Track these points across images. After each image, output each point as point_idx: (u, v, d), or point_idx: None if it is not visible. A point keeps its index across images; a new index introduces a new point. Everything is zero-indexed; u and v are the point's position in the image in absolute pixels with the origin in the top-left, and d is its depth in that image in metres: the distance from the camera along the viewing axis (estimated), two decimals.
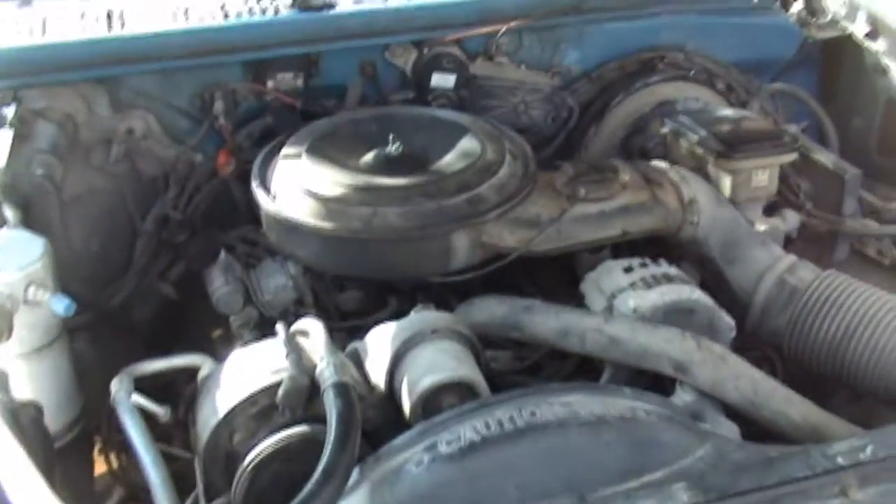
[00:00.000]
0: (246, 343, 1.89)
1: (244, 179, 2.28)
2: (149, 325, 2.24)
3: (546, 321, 1.77)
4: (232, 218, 2.30)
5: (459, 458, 1.43)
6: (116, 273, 2.21)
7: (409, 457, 1.46)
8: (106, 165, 2.20)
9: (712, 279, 2.00)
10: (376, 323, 1.88)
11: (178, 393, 1.87)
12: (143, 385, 1.82)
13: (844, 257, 2.22)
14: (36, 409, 1.65)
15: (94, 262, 2.17)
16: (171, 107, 2.29)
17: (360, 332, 1.85)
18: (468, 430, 1.46)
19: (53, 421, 1.77)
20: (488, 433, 1.45)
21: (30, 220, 1.95)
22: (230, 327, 2.00)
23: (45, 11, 2.31)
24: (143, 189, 2.27)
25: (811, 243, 2.21)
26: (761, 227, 2.07)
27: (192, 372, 1.89)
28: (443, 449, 1.44)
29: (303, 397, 1.60)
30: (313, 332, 1.69)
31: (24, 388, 1.75)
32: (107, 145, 2.21)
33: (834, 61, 2.68)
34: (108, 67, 2.20)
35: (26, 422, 1.55)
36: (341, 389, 1.52)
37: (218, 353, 1.90)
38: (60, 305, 1.70)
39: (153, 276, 2.23)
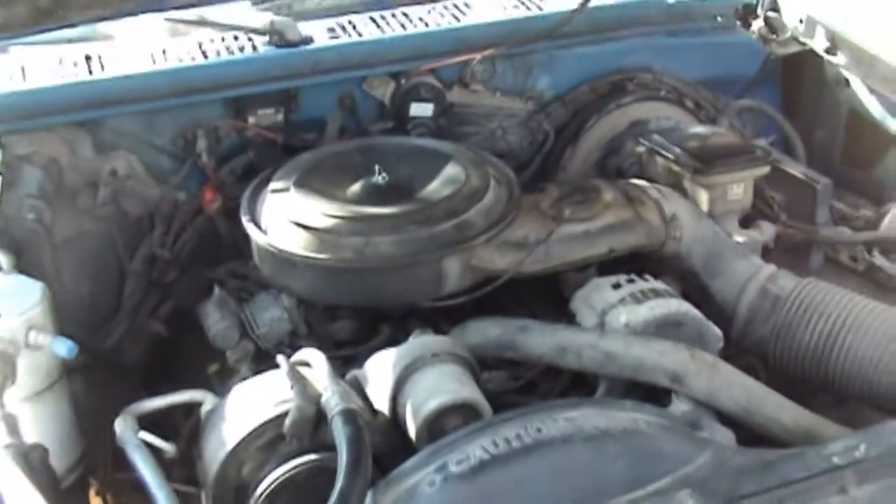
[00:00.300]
0: (244, 377, 1.92)
1: (229, 215, 2.32)
2: (140, 364, 2.25)
3: (543, 339, 1.81)
4: (217, 254, 2.32)
5: (471, 477, 1.47)
6: (107, 314, 2.23)
7: (421, 478, 1.49)
8: (93, 208, 2.22)
9: (696, 292, 2.06)
10: (370, 351, 1.92)
11: (172, 429, 1.89)
12: (142, 423, 1.84)
13: (819, 266, 2.29)
14: (44, 451, 1.66)
15: (86, 304, 2.18)
16: (153, 146, 2.32)
17: (354, 360, 1.88)
18: (477, 450, 1.49)
19: (57, 463, 1.77)
20: (497, 451, 1.49)
21: (22, 265, 1.97)
22: (226, 362, 2.01)
23: (23, 57, 2.32)
24: (130, 230, 2.29)
25: (786, 253, 2.27)
26: (739, 239, 2.13)
27: (187, 408, 1.92)
28: (454, 469, 1.48)
29: (310, 426, 1.63)
30: (315, 363, 1.72)
31: (27, 431, 1.76)
32: (92, 188, 2.23)
33: (795, 76, 2.77)
34: (90, 110, 2.22)
35: (36, 464, 1.56)
36: (349, 416, 1.56)
37: (215, 388, 1.93)
38: (63, 348, 1.71)
39: (143, 315, 2.24)
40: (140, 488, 2.05)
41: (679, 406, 1.72)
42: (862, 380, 1.85)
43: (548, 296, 2.15)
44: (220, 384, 1.98)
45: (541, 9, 2.52)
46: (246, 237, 2.23)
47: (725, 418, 1.76)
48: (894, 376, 1.80)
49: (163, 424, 1.93)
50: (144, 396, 1.91)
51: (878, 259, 2.18)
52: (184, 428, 1.90)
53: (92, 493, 2.10)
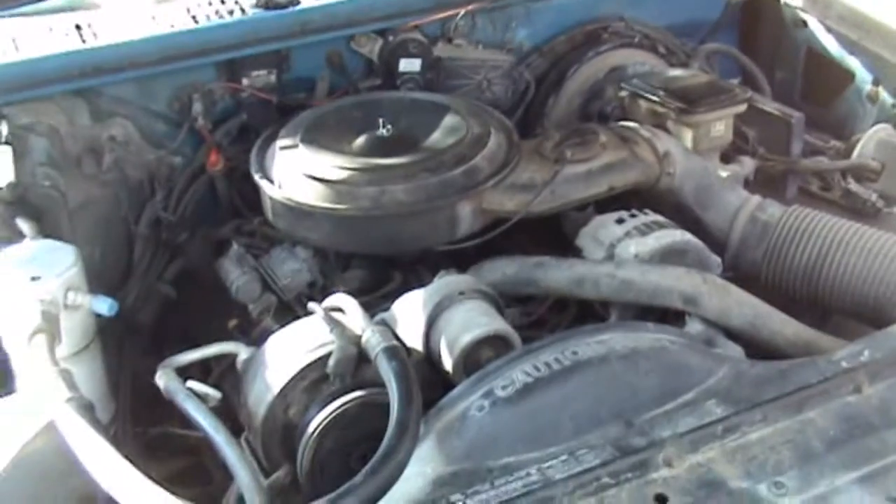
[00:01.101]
0: (268, 328, 1.99)
1: (227, 176, 2.37)
2: (152, 325, 2.29)
3: (560, 273, 1.92)
4: (214, 214, 2.38)
5: (517, 400, 1.57)
6: (119, 277, 2.26)
7: (470, 404, 1.58)
8: (98, 174, 2.24)
9: (689, 224, 2.17)
10: (384, 297, 2.01)
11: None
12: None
13: (794, 195, 2.43)
14: (90, 406, 1.71)
15: (98, 268, 2.21)
16: (149, 112, 2.35)
17: (370, 307, 1.96)
18: (520, 374, 1.60)
19: None
20: (539, 374, 1.59)
21: (42, 231, 2.00)
22: (247, 316, 2.07)
23: (12, 29, 2.33)
24: (133, 194, 2.32)
25: (762, 186, 2.41)
26: (723, 173, 2.26)
27: (204, 366, 1.98)
28: (500, 393, 1.58)
29: (352, 366, 1.71)
30: (348, 306, 1.79)
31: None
32: (94, 154, 2.25)
33: (754, 20, 2.90)
34: (85, 78, 2.23)
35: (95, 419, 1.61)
36: (393, 351, 1.63)
37: (237, 340, 1.99)
38: (104, 306, 1.76)
39: (153, 277, 2.29)
40: (163, 449, 2.14)
41: (693, 326, 1.84)
42: (850, 294, 1.99)
43: (545, 237, 2.25)
44: (242, 338, 2.05)
45: None
46: (246, 197, 2.30)
47: (733, 336, 1.88)
48: (881, 289, 1.94)
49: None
50: (152, 360, 1.96)
51: (853, 185, 2.33)
52: (210, 380, 1.97)
53: None
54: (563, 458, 1.48)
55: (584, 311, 2.04)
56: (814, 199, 2.42)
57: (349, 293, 2.12)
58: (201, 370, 2.01)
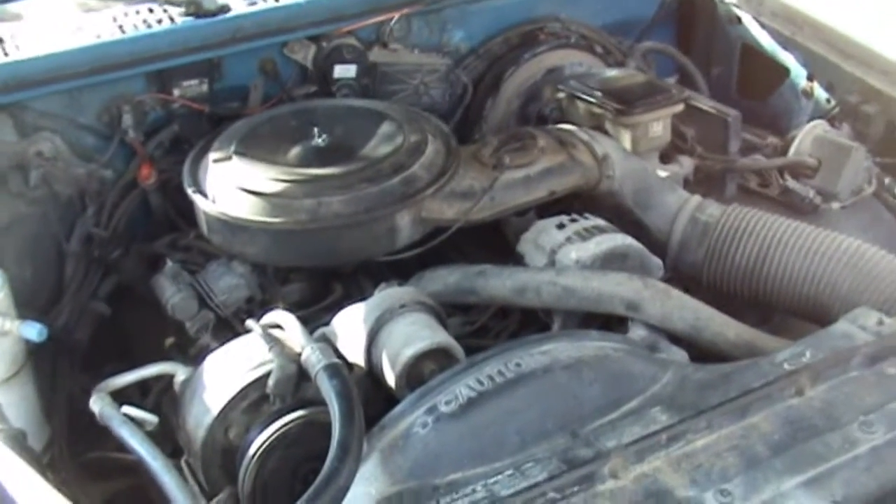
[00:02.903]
0: (206, 345, 1.95)
1: (161, 189, 2.32)
2: (88, 344, 2.23)
3: (501, 281, 1.90)
4: (146, 229, 2.32)
5: (461, 415, 1.55)
6: (50, 297, 2.20)
7: (413, 421, 1.56)
8: (25, 191, 2.18)
9: (630, 226, 2.17)
10: (325, 310, 1.97)
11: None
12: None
13: (733, 193, 2.44)
14: (21, 435, 1.66)
15: (29, 288, 2.15)
16: (77, 125, 2.28)
17: (311, 320, 1.93)
18: (463, 389, 1.58)
19: None
20: (483, 388, 1.57)
21: None
22: (183, 333, 2.03)
23: None
24: (63, 211, 2.26)
25: (702, 185, 2.42)
26: (662, 173, 2.25)
27: (143, 385, 1.93)
28: (443, 409, 1.56)
29: (292, 385, 1.68)
30: (287, 323, 1.76)
31: None
32: (20, 171, 2.19)
33: (689, 17, 2.91)
34: (10, 93, 2.17)
35: (26, 448, 1.57)
36: (334, 369, 1.61)
37: (175, 360, 1.94)
38: (33, 331, 1.71)
39: (86, 294, 2.22)
40: (101, 472, 2.08)
41: (636, 332, 1.83)
42: (790, 292, 2.00)
43: (487, 244, 2.24)
44: (180, 356, 2.00)
45: None
46: (181, 209, 2.25)
47: (675, 339, 1.88)
48: (819, 287, 1.95)
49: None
50: (90, 378, 1.91)
51: (791, 182, 2.34)
52: (148, 402, 1.92)
53: None
54: (510, 472, 1.46)
55: (528, 318, 2.02)
56: (753, 197, 2.42)
57: (289, 307, 2.10)
58: (140, 389, 1.97)
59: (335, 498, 1.42)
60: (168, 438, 1.84)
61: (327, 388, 1.58)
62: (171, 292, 2.01)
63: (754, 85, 2.79)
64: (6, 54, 2.21)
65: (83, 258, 2.23)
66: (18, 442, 1.51)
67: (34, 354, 2.07)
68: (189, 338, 2.01)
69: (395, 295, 1.81)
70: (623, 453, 1.45)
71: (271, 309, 1.94)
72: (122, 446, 1.84)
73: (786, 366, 1.65)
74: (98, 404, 1.75)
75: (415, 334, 1.73)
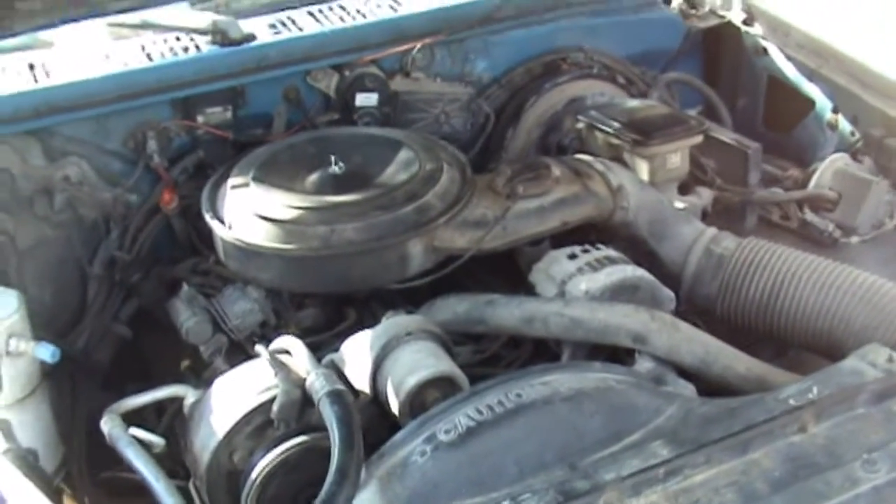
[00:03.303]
0: (219, 369, 1.97)
1: (183, 214, 2.36)
2: (108, 365, 2.27)
3: (510, 311, 1.90)
4: (170, 253, 2.36)
5: (460, 444, 1.55)
6: (71, 319, 2.25)
7: (412, 450, 1.57)
8: (50, 215, 2.23)
9: (644, 257, 2.17)
10: (338, 336, 1.99)
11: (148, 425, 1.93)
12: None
13: (753, 225, 2.42)
14: (32, 455, 1.70)
15: (49, 310, 2.20)
16: (103, 151, 2.33)
17: (322, 346, 1.95)
18: (463, 418, 1.58)
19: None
20: (482, 418, 1.57)
21: None
22: (198, 356, 2.06)
23: None
24: (87, 234, 2.31)
25: (722, 216, 2.40)
26: (680, 205, 2.25)
27: (159, 406, 1.96)
28: (443, 438, 1.56)
29: (296, 410, 1.69)
30: (294, 349, 1.78)
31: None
32: (46, 195, 2.24)
33: (715, 48, 2.90)
34: (38, 119, 2.23)
35: (35, 467, 1.60)
36: (337, 396, 1.62)
37: (189, 382, 1.97)
38: (46, 352, 1.75)
39: (108, 317, 2.27)
40: (118, 491, 2.11)
41: (643, 364, 1.82)
42: (804, 327, 1.98)
43: (502, 272, 2.24)
44: (194, 378, 2.03)
45: None
46: (203, 235, 2.28)
47: (685, 373, 1.87)
48: (834, 322, 1.93)
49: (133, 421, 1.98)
50: (112, 398, 1.94)
51: (809, 215, 2.32)
52: (161, 424, 1.95)
53: (66, 499, 2.12)
54: (506, 503, 1.46)
55: (540, 348, 2.02)
56: (774, 229, 2.41)
57: (303, 332, 2.13)
58: (157, 412, 2.00)
59: None
60: (179, 461, 1.87)
61: (329, 414, 1.59)
62: (186, 316, 2.04)
63: (780, 117, 2.78)
64: (36, 81, 2.27)
65: (105, 281, 2.28)
66: (27, 462, 1.54)
67: (55, 374, 2.12)
68: (203, 361, 2.04)
69: (401, 323, 1.83)
70: (619, 486, 1.44)
71: (283, 334, 1.98)
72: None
73: (791, 401, 1.63)
74: (108, 425, 1.78)
75: (419, 363, 1.73)
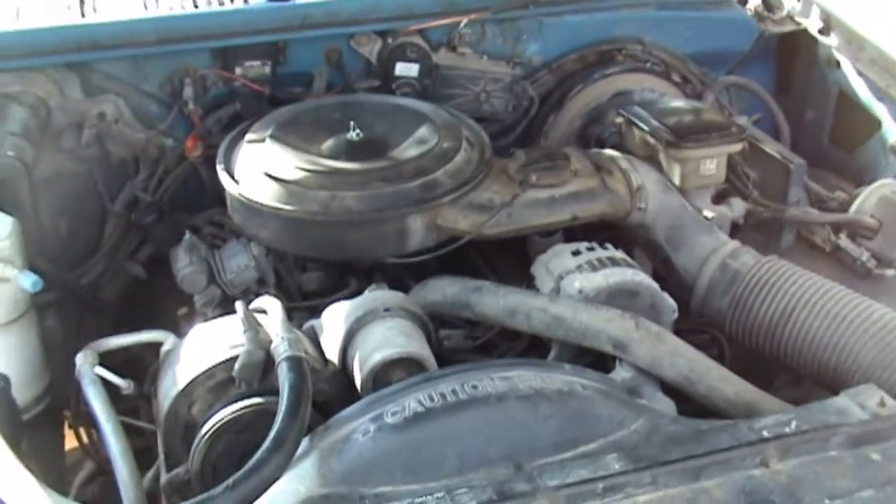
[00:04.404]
0: (208, 320, 1.97)
1: (212, 163, 2.36)
2: (117, 303, 2.31)
3: (495, 301, 1.85)
4: (200, 201, 2.37)
5: (404, 428, 1.51)
6: (85, 253, 2.28)
7: (357, 427, 1.53)
8: (76, 149, 2.27)
9: (659, 263, 2.09)
10: (336, 302, 1.96)
11: (146, 368, 1.95)
12: (115, 362, 1.90)
13: (790, 244, 2.30)
14: (3, 381, 1.73)
15: (63, 241, 2.24)
16: (141, 92, 2.36)
17: (320, 311, 1.92)
18: (413, 402, 1.53)
19: (21, 394, 1.84)
20: (432, 405, 1.53)
21: (0, 200, 2.02)
22: (194, 305, 2.06)
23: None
24: (113, 172, 2.34)
25: (758, 230, 2.29)
26: (709, 213, 2.15)
27: (159, 348, 1.97)
28: (388, 419, 1.52)
29: (258, 371, 1.68)
30: (270, 310, 1.77)
31: None
32: (78, 129, 2.27)
33: (789, 55, 2.76)
34: (79, 53, 2.26)
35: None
36: (294, 362, 1.60)
37: (182, 330, 1.97)
38: (28, 281, 1.77)
39: (122, 256, 2.30)
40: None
41: (621, 373, 1.75)
42: (812, 357, 1.87)
43: (515, 256, 2.19)
44: (187, 326, 2.03)
45: None
46: None
47: (671, 389, 1.79)
48: (842, 356, 1.82)
49: (136, 363, 2.00)
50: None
51: (843, 241, 2.19)
52: (151, 368, 1.97)
53: (66, 425, 2.16)
54: (440, 494, 1.42)
55: (536, 342, 1.96)
56: (811, 251, 2.28)
57: (305, 295, 2.13)
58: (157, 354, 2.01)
59: (257, 488, 1.42)
60: None
61: (283, 380, 1.57)
62: (184, 264, 2.05)
63: (847, 134, 2.63)
64: (83, 16, 2.30)
65: (124, 220, 2.32)
66: None
67: (62, 305, 2.16)
68: (197, 311, 2.05)
69: (380, 298, 1.80)
70: (552, 496, 1.38)
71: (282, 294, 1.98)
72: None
73: (765, 433, 1.54)
74: (80, 360, 1.80)
75: (389, 340, 1.70)
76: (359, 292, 2.02)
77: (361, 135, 2.06)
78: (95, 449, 2.07)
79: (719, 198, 2.25)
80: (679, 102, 2.37)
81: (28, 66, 2.22)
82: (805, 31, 2.65)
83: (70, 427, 2.14)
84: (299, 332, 1.77)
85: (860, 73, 2.50)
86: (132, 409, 1.94)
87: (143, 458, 2.00)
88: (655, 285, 1.89)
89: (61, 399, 2.06)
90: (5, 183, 2.05)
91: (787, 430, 1.55)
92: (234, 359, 1.69)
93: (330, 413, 1.62)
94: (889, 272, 2.15)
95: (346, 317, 1.77)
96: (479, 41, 2.50)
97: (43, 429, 2.00)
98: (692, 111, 2.27)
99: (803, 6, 2.66)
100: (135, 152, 2.35)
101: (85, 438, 2.05)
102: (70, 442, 2.13)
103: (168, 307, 2.23)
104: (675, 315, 1.90)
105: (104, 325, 2.26)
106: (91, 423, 2.07)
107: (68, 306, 2.18)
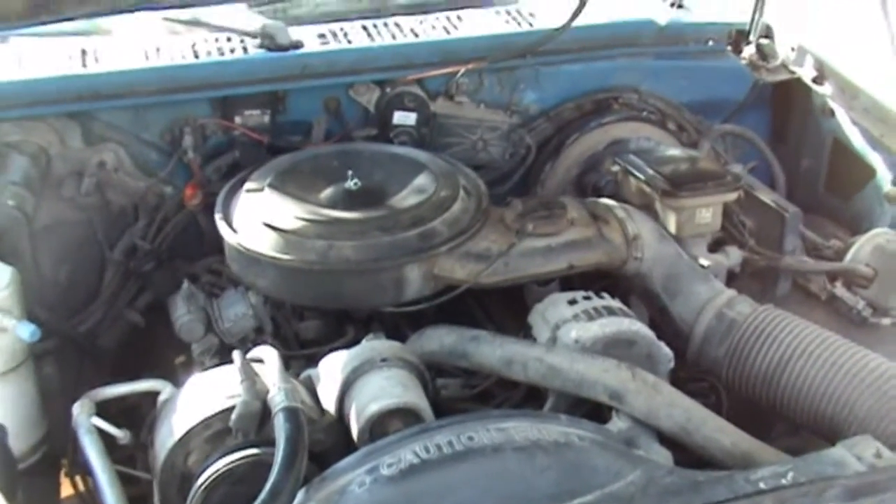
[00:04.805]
0: (206, 370, 1.97)
1: (210, 212, 2.37)
2: (116, 351, 2.31)
3: (491, 351, 1.85)
4: (199, 249, 2.38)
5: (399, 480, 1.50)
6: (84, 300, 2.29)
7: (353, 478, 1.53)
8: (76, 197, 2.28)
9: (656, 312, 2.09)
10: (333, 351, 1.97)
11: (142, 416, 1.95)
12: (112, 410, 1.90)
13: (786, 292, 2.31)
14: (0, 430, 1.73)
15: (63, 290, 2.25)
16: (141, 141, 2.38)
17: (317, 359, 1.92)
18: (408, 454, 1.53)
19: (18, 443, 1.85)
20: (427, 456, 1.53)
21: (0, 249, 2.03)
22: (192, 354, 2.07)
23: (22, 48, 2.39)
24: (113, 220, 2.35)
25: (754, 278, 2.30)
26: (705, 262, 2.15)
27: (156, 397, 1.97)
28: (384, 471, 1.52)
29: (255, 421, 1.68)
30: (267, 360, 1.77)
31: None
32: (78, 177, 2.29)
33: (784, 104, 2.78)
34: (81, 103, 2.28)
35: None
36: (290, 413, 1.60)
37: (179, 378, 1.98)
38: (26, 331, 1.78)
39: (121, 304, 2.30)
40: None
41: (617, 423, 1.74)
42: (808, 407, 1.87)
43: (514, 305, 2.19)
44: (185, 375, 2.04)
45: (531, 25, 2.57)
46: None
47: (668, 440, 1.79)
48: (838, 406, 1.82)
49: (133, 413, 2.00)
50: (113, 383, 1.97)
51: (839, 290, 2.20)
52: (149, 417, 1.96)
53: (62, 474, 2.16)
54: None
55: (533, 392, 1.96)
56: (807, 299, 2.29)
57: (302, 344, 2.13)
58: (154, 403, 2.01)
59: None
60: None
61: (279, 431, 1.58)
62: (182, 312, 2.06)
63: (842, 182, 2.64)
64: (84, 66, 2.33)
65: (123, 268, 2.32)
66: None
67: (60, 353, 2.17)
68: (194, 360, 2.06)
69: (377, 348, 1.80)
70: None
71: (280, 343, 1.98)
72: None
73: (761, 485, 1.54)
74: (77, 409, 1.80)
75: (385, 391, 1.70)
76: (356, 341, 2.02)
77: (359, 184, 2.08)
78: (91, 497, 2.07)
79: (715, 246, 2.26)
80: (675, 151, 2.39)
81: (29, 116, 2.25)
82: (799, 79, 2.68)
83: (66, 475, 2.14)
84: (296, 382, 1.78)
85: (854, 122, 2.52)
86: (129, 457, 1.93)
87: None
88: (652, 334, 1.89)
89: (58, 447, 2.05)
90: (6, 232, 2.06)
91: (783, 481, 1.55)
92: (230, 409, 1.69)
93: (326, 463, 1.62)
94: (885, 321, 2.15)
95: (342, 367, 1.77)
96: (476, 90, 2.52)
97: (39, 477, 2.00)
98: (688, 160, 2.29)
99: (797, 55, 2.68)
100: (134, 200, 2.37)
101: (81, 487, 2.06)
102: (65, 489, 2.13)
103: (166, 355, 2.23)
104: (672, 364, 1.90)
105: (102, 372, 2.26)
106: (87, 471, 2.09)
107: (66, 354, 2.19)
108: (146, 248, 2.31)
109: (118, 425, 1.85)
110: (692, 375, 2.07)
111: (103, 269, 2.33)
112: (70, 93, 2.27)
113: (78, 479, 2.10)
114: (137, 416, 1.98)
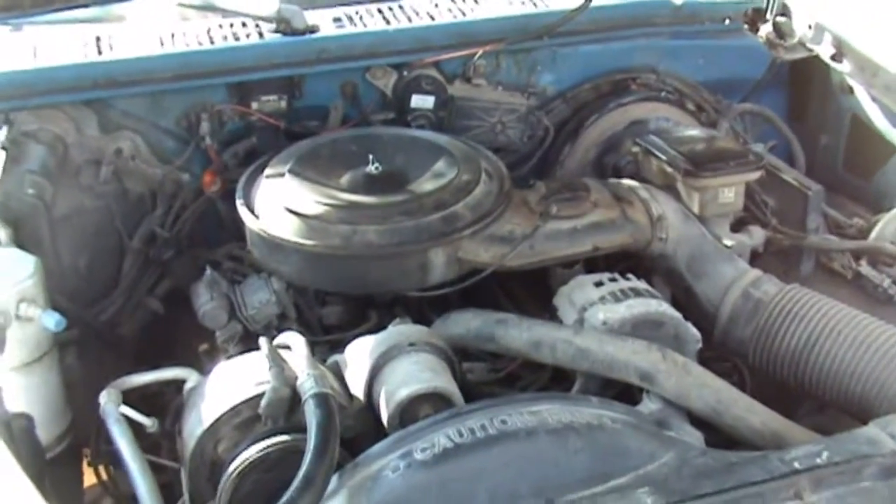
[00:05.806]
0: (230, 357, 1.96)
1: (229, 198, 2.35)
2: (136, 340, 2.30)
3: (519, 333, 1.84)
4: (218, 235, 2.37)
5: (433, 465, 1.50)
6: (104, 289, 2.28)
7: (386, 464, 1.52)
8: (95, 185, 2.27)
9: (681, 293, 2.08)
10: (357, 336, 1.96)
11: (167, 405, 1.94)
12: (133, 398, 1.89)
13: (810, 271, 2.30)
14: (27, 421, 1.72)
15: (83, 278, 2.24)
16: (158, 128, 2.36)
17: (341, 345, 1.92)
18: (442, 438, 1.52)
19: (43, 433, 1.83)
20: (461, 440, 1.52)
21: (20, 239, 2.02)
22: (215, 341, 2.06)
23: (36, 36, 2.38)
24: (131, 208, 2.34)
25: (777, 258, 2.29)
26: (728, 242, 2.15)
27: (180, 385, 1.96)
28: (418, 456, 1.51)
29: (284, 408, 1.67)
30: (295, 346, 1.76)
31: (15, 400, 1.81)
32: (96, 166, 2.28)
33: (802, 82, 2.77)
34: (97, 90, 2.27)
35: (18, 433, 1.62)
36: (321, 399, 1.59)
37: (204, 366, 1.97)
38: (51, 321, 1.77)
39: (141, 292, 2.29)
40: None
41: (648, 405, 1.74)
42: (837, 386, 1.87)
43: (538, 289, 2.18)
44: (209, 363, 2.03)
45: (547, 6, 2.55)
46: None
47: (698, 420, 1.78)
48: (867, 385, 1.81)
49: (156, 400, 1.99)
50: (137, 371, 1.96)
51: (864, 268, 2.19)
52: (172, 404, 1.96)
53: (85, 463, 2.15)
54: None
55: (558, 374, 1.96)
56: (832, 278, 2.28)
57: (325, 329, 2.12)
58: (178, 391, 2.01)
59: None
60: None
61: (310, 417, 1.57)
62: (205, 300, 2.05)
63: (862, 160, 2.63)
64: (100, 53, 2.31)
65: (142, 256, 2.31)
66: (9, 430, 1.55)
67: (81, 343, 2.16)
68: (218, 347, 2.05)
69: (405, 332, 1.79)
70: None
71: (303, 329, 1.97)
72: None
73: (796, 464, 1.52)
74: (104, 398, 1.80)
75: (414, 375, 1.69)
76: (380, 326, 2.02)
77: (381, 168, 2.06)
78: (114, 486, 2.07)
79: (738, 226, 2.26)
80: (695, 131, 2.38)
81: (45, 104, 2.23)
82: (817, 57, 2.65)
83: (89, 464, 2.14)
84: (324, 368, 1.77)
85: (874, 99, 2.50)
86: (153, 445, 1.93)
87: (164, 494, 2.01)
88: (679, 315, 1.88)
89: (80, 436, 2.05)
90: (26, 221, 2.05)
91: (818, 461, 1.53)
92: (259, 396, 1.68)
93: (356, 449, 1.61)
94: None
95: (370, 352, 1.76)
96: (493, 72, 2.50)
97: (64, 466, 1.98)
98: (708, 139, 2.27)
99: (815, 33, 2.66)
100: (152, 188, 2.35)
101: (104, 476, 2.06)
102: (88, 478, 2.13)
103: (188, 343, 2.22)
104: (700, 345, 1.90)
105: (122, 361, 2.25)
106: (112, 460, 2.09)
107: (88, 344, 2.18)
108: (165, 236, 2.29)
109: (141, 412, 1.84)
110: (715, 356, 2.06)
111: (122, 257, 2.31)
112: (86, 80, 2.25)
113: (101, 468, 2.12)
114: (159, 402, 1.97)
